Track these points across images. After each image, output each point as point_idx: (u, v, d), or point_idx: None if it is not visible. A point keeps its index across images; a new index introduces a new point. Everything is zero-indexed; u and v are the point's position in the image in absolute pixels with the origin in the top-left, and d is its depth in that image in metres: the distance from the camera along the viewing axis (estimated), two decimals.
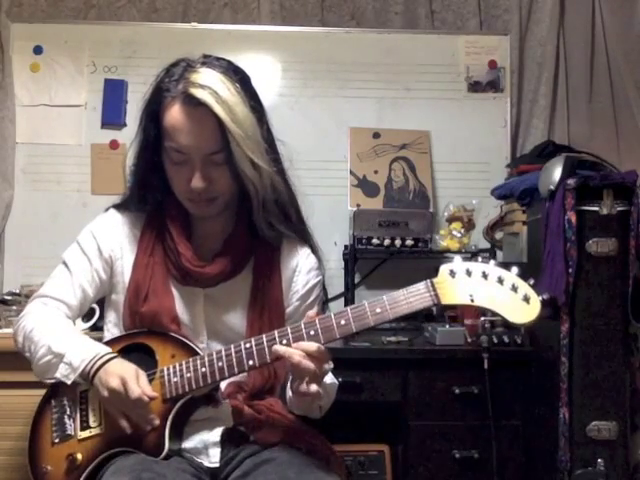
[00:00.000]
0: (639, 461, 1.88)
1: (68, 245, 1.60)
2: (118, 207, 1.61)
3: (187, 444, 1.46)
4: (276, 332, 1.36)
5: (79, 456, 1.42)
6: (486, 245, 2.63)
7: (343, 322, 1.33)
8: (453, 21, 2.90)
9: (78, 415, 1.47)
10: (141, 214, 1.59)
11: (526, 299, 1.27)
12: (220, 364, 1.38)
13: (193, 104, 1.41)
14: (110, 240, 1.57)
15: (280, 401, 1.52)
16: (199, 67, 1.45)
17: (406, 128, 2.76)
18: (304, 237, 1.62)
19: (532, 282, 1.29)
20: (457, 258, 1.33)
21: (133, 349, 1.48)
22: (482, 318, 2.09)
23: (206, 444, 1.46)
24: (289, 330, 1.35)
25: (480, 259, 1.34)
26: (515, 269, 1.31)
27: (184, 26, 2.77)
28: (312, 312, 1.39)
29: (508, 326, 2.01)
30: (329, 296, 1.76)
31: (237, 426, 1.47)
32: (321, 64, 2.78)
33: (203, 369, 1.39)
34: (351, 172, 2.69)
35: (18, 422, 2.01)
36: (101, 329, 1.63)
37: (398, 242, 2.48)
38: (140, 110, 1.51)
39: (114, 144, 2.71)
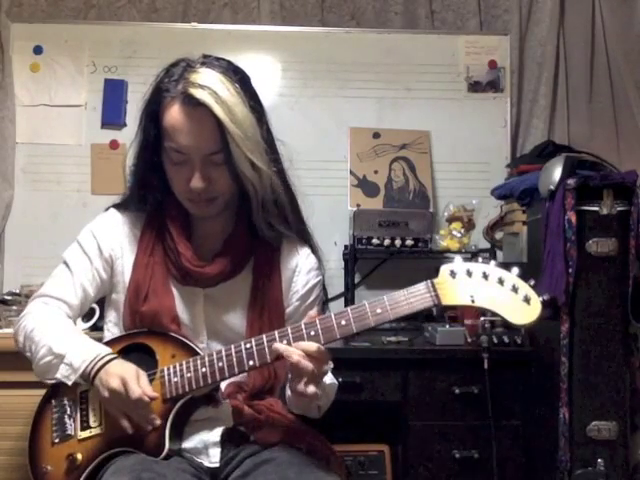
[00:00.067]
0: (639, 461, 1.88)
1: (68, 245, 1.60)
2: (118, 207, 1.61)
3: (187, 444, 1.45)
4: (276, 332, 1.36)
5: (79, 456, 1.42)
6: (486, 245, 2.63)
7: (344, 322, 1.33)
8: (453, 21, 2.90)
9: (78, 415, 1.47)
10: (141, 214, 1.58)
11: (527, 300, 1.27)
12: (220, 364, 1.38)
13: (193, 104, 1.40)
14: (110, 239, 1.57)
15: (280, 401, 1.52)
16: (199, 67, 1.45)
17: (406, 128, 2.76)
18: (304, 237, 1.62)
19: (532, 283, 1.29)
20: (457, 258, 1.32)
21: (133, 349, 1.48)
22: (482, 318, 2.09)
23: (206, 444, 1.46)
24: (289, 330, 1.35)
25: (480, 259, 1.33)
26: (516, 270, 1.30)
27: (184, 26, 2.77)
28: (313, 312, 1.39)
29: (508, 326, 1.99)
30: (329, 296, 1.75)
31: (237, 426, 1.46)
32: (321, 64, 2.78)
33: (203, 369, 1.39)
34: (351, 172, 2.69)
35: (18, 422, 2.01)
36: (101, 329, 1.63)
37: (398, 242, 2.48)
38: (140, 110, 1.51)
39: (114, 144, 2.71)
